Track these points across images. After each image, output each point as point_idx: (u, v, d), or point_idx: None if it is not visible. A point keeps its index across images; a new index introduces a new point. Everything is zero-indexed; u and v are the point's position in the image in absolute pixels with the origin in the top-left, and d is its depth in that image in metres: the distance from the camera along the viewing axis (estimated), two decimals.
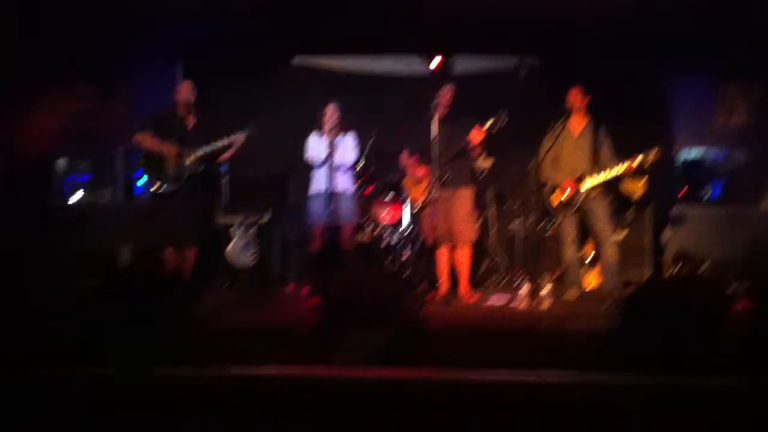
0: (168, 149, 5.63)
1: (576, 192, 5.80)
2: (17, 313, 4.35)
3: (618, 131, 6.01)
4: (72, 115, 7.41)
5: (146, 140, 5.71)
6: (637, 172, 5.77)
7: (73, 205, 7.64)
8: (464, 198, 5.96)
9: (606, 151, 5.85)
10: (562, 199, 5.86)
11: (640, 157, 5.58)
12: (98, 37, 6.84)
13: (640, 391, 3.25)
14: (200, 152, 5.68)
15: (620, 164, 5.68)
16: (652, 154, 5.57)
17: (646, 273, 6.61)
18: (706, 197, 7.87)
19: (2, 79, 6.85)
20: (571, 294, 5.88)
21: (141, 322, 4.07)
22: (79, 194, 7.55)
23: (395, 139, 6.43)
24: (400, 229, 6.49)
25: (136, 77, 7.45)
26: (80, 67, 7.29)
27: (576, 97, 5.90)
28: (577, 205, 5.82)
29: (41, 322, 4.20)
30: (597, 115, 5.95)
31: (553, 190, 5.94)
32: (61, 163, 7.38)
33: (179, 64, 7.48)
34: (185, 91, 5.80)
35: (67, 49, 6.96)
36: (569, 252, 5.95)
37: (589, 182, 5.77)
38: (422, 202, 6.00)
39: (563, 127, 5.91)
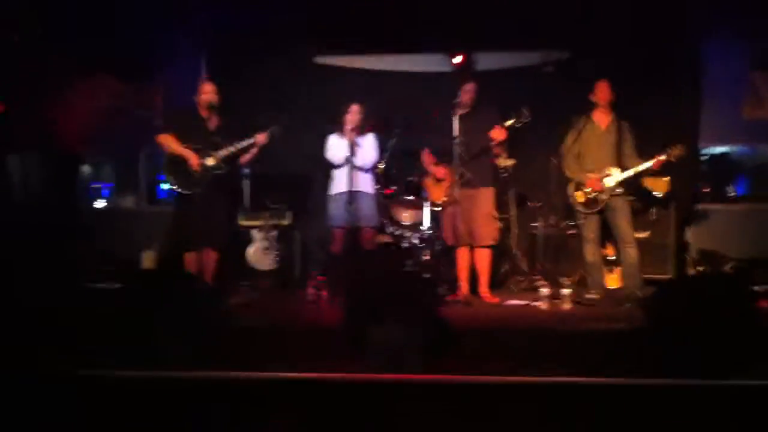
0: (189, 154, 5.63)
1: (600, 190, 5.73)
2: (39, 313, 4.40)
3: (641, 127, 5.94)
4: (97, 113, 7.48)
5: (168, 141, 5.72)
6: (662, 170, 5.69)
7: (97, 208, 7.74)
8: (485, 198, 5.91)
9: (629, 147, 5.77)
10: (586, 197, 5.79)
11: (664, 156, 5.51)
12: (123, 35, 6.89)
13: (663, 392, 3.21)
14: (222, 153, 5.69)
15: (645, 162, 5.61)
16: (677, 152, 5.50)
17: (670, 272, 6.52)
18: (731, 194, 7.75)
19: (27, 76, 6.93)
20: (594, 294, 5.81)
21: (162, 324, 4.10)
22: (103, 202, 7.65)
23: (416, 136, 6.40)
24: (421, 230, 6.45)
25: (161, 76, 7.50)
26: (105, 64, 7.35)
27: (604, 92, 5.80)
28: (602, 203, 5.74)
29: (62, 323, 4.24)
30: (621, 111, 5.87)
31: (576, 188, 5.87)
32: (86, 169, 7.46)
33: (203, 64, 7.51)
34: (207, 92, 5.80)
35: (92, 45, 7.03)
36: (592, 251, 5.87)
37: (614, 179, 5.70)
38: (443, 203, 5.96)
39: (587, 123, 5.83)
